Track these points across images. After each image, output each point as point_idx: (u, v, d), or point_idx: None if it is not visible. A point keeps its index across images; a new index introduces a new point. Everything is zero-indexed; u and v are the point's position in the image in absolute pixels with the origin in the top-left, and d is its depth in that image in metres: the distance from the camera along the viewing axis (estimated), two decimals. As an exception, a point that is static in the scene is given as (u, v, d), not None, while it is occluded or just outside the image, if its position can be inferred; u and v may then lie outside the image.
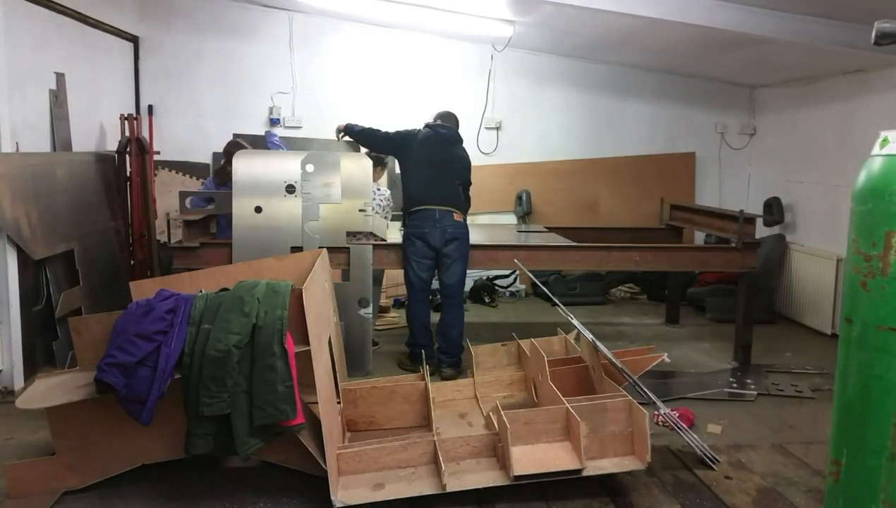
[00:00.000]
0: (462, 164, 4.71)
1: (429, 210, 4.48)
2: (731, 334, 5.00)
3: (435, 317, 4.73)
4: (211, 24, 6.63)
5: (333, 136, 4.95)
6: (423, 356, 4.03)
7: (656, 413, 3.59)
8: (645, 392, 3.37)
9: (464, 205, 4.68)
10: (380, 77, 6.87)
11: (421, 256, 4.50)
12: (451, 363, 4.52)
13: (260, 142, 5.50)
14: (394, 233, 4.79)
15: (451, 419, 3.60)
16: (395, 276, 6.64)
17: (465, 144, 4.80)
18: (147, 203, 5.64)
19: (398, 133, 4.69)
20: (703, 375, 4.64)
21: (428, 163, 4.57)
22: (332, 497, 2.76)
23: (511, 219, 7.04)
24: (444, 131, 4.68)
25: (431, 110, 4.96)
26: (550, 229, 5.70)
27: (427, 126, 4.72)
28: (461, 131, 4.80)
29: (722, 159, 7.36)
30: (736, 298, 4.93)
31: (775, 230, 6.52)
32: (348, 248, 4.37)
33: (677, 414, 3.64)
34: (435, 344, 4.63)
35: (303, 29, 6.72)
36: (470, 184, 4.78)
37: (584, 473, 2.88)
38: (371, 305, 4.47)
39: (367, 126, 4.77)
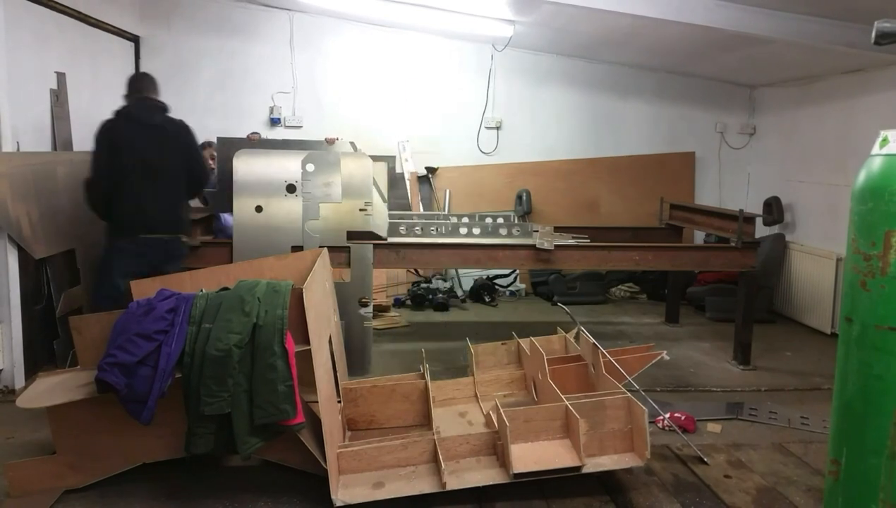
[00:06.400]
0: (174, 146, 3.66)
1: (147, 239, 3.56)
2: (731, 333, 5.00)
3: (432, 317, 4.70)
4: (212, 24, 6.64)
5: (331, 135, 4.81)
6: (424, 355, 4.02)
7: (660, 418, 3.59)
8: (649, 401, 3.37)
9: (187, 222, 3.76)
10: (380, 76, 6.87)
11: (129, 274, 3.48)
12: None
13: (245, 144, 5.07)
14: None
15: (451, 417, 3.60)
16: (395, 276, 6.66)
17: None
18: (147, 202, 5.63)
19: (94, 149, 3.62)
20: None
21: (139, 173, 3.59)
22: (333, 496, 2.77)
23: (511, 218, 7.05)
24: (129, 111, 3.64)
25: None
26: (550, 229, 5.69)
27: (113, 112, 3.67)
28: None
29: (722, 159, 7.36)
30: (736, 297, 4.94)
31: (775, 229, 6.52)
32: (349, 248, 4.37)
33: (683, 418, 3.66)
34: None
35: (303, 29, 6.73)
36: (200, 166, 3.98)
37: (584, 470, 2.89)
38: (371, 304, 4.47)
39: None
